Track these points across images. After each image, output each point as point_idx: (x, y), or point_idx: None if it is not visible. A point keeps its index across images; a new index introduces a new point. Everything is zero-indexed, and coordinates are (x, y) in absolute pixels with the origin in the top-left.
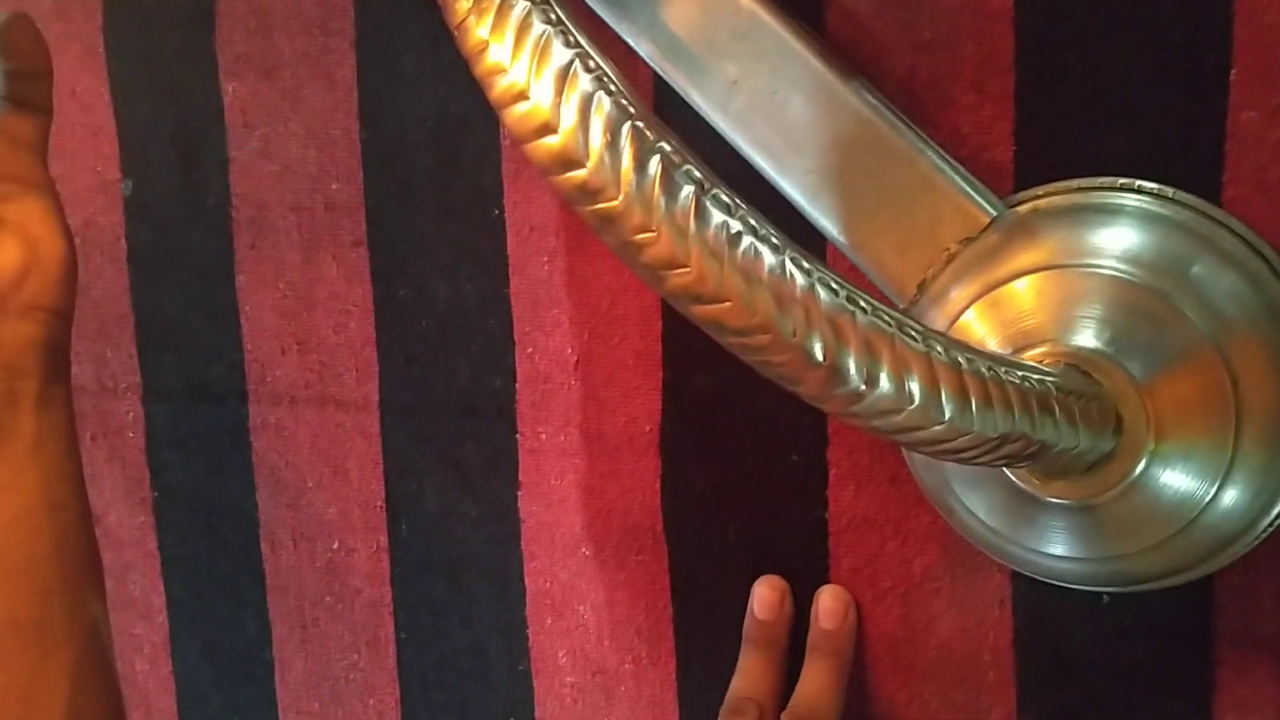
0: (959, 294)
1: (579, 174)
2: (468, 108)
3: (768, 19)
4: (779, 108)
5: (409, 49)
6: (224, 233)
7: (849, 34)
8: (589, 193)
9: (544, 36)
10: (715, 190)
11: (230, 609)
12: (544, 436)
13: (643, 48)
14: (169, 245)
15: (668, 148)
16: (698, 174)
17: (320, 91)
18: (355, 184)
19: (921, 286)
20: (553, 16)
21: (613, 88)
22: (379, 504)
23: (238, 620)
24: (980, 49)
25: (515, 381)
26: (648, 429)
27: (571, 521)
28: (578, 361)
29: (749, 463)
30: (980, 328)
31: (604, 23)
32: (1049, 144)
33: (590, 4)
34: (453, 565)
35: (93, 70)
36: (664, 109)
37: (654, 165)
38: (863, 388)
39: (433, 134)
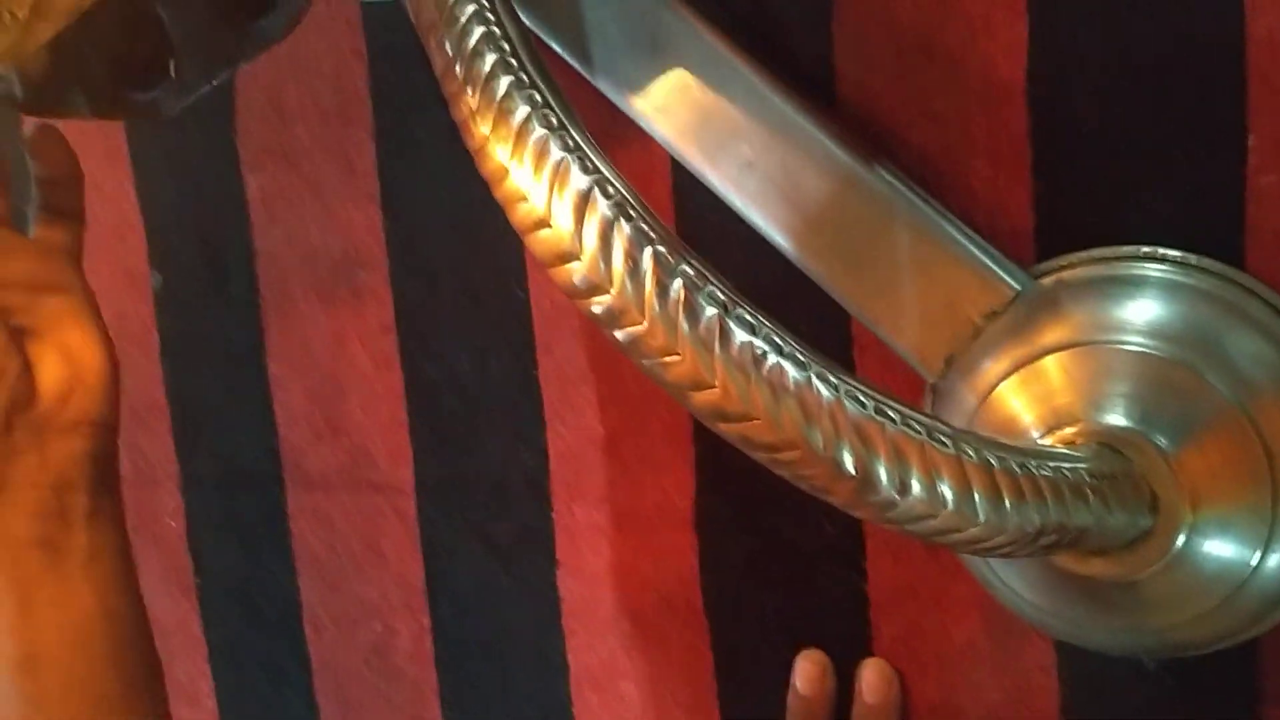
0: (988, 370)
1: (602, 299)
2: (486, 190)
3: (778, 98)
4: (795, 186)
5: (427, 134)
6: (253, 322)
7: (861, 109)
8: (613, 317)
9: (562, 163)
10: (739, 310)
11: (276, 693)
12: (579, 514)
13: (656, 130)
14: (199, 335)
15: (690, 270)
16: (720, 295)
17: (341, 180)
18: (380, 270)
19: (949, 361)
20: (570, 141)
21: (632, 212)
22: (418, 585)
23: (284, 704)
24: (994, 120)
25: (547, 459)
26: (681, 504)
27: (611, 598)
28: (609, 438)
29: (785, 535)
30: (1011, 405)
31: (617, 107)
32: (1069, 213)
33: (603, 89)
34: (494, 644)
35: (117, 166)
36: (681, 190)
37: (676, 288)
38: (895, 496)
39: (454, 217)
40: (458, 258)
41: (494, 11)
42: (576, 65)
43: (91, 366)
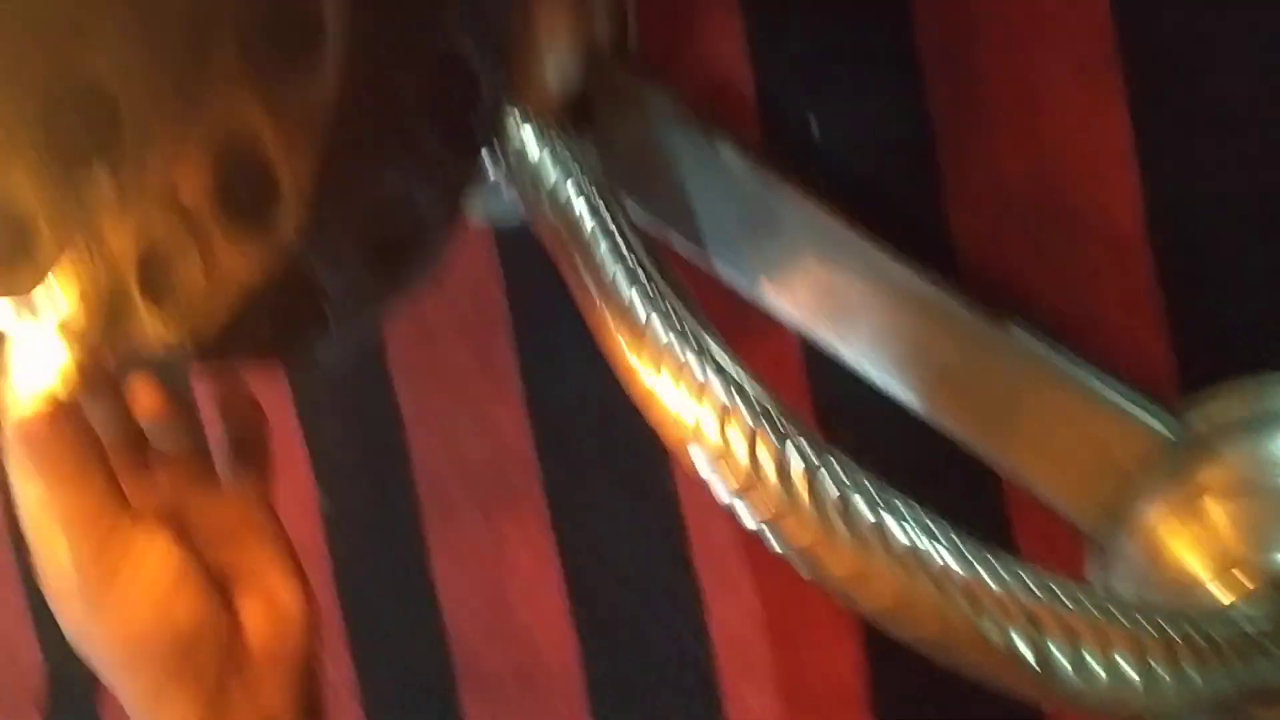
0: (1148, 518)
1: (754, 504)
2: None
3: (899, 269)
4: (929, 354)
5: (564, 334)
6: (417, 533)
7: (984, 272)
8: (769, 521)
9: (704, 379)
10: (894, 503)
11: None
12: (750, 700)
13: (782, 311)
14: (368, 552)
15: (838, 467)
16: (870, 490)
17: (488, 387)
18: (531, 469)
19: (1107, 512)
20: (701, 346)
21: (773, 414)
22: None
23: None
24: (1120, 268)
25: (712, 644)
26: (854, 682)
27: None
28: (771, 618)
29: (963, 706)
30: (1176, 552)
31: (740, 297)
32: (1209, 350)
33: (724, 276)
34: None
35: (279, 396)
36: (814, 367)
37: (827, 486)
38: (1075, 680)
39: (597, 410)
40: (606, 450)
41: (616, 226)
42: (695, 257)
43: (294, 610)
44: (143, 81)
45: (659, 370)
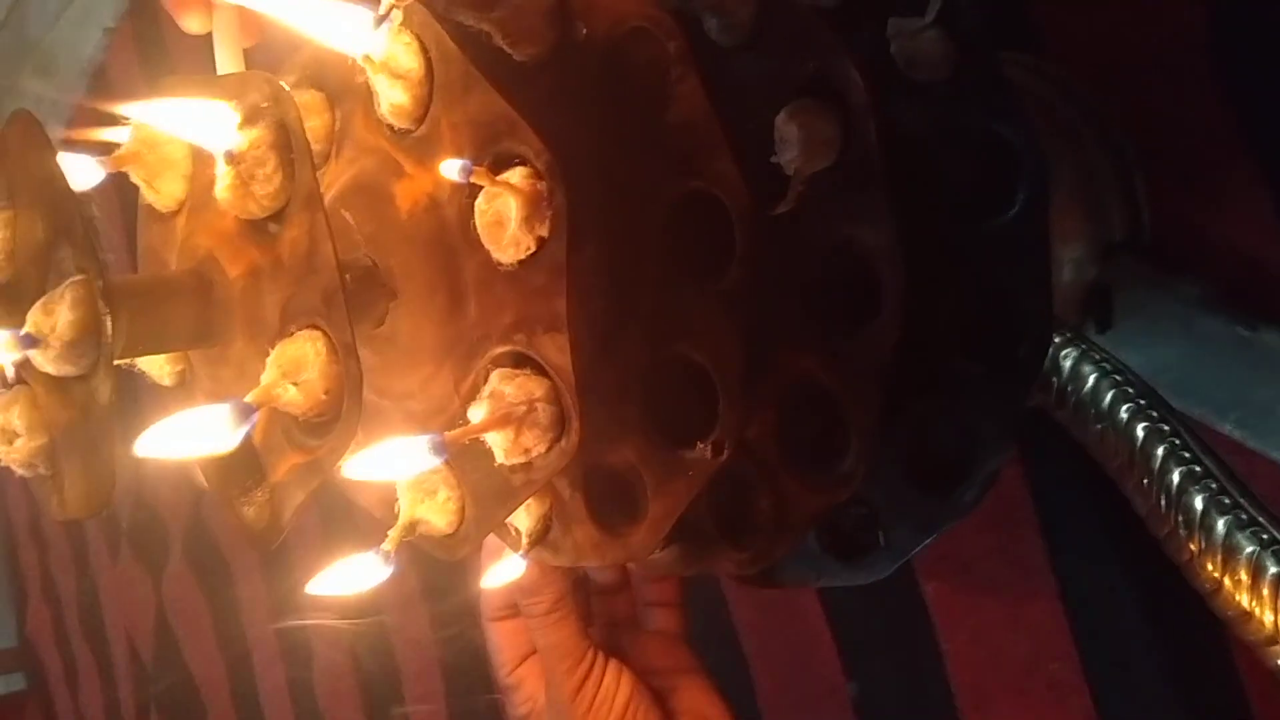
0: None
1: None
2: (1163, 570)
3: None
4: None
5: (1094, 525)
6: None
7: None
8: None
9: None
10: None
11: None
12: None
13: None
14: None
15: None
16: None
17: (1016, 580)
18: (1072, 661)
19: None
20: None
21: None
22: None
23: None
24: None
25: None
26: None
27: None
28: None
29: None
30: None
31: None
32: None
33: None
34: None
35: (805, 590)
36: None
37: None
38: None
39: (1137, 596)
40: (1152, 641)
41: (1169, 425)
42: (1253, 445)
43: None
44: (726, 352)
45: (1236, 575)
